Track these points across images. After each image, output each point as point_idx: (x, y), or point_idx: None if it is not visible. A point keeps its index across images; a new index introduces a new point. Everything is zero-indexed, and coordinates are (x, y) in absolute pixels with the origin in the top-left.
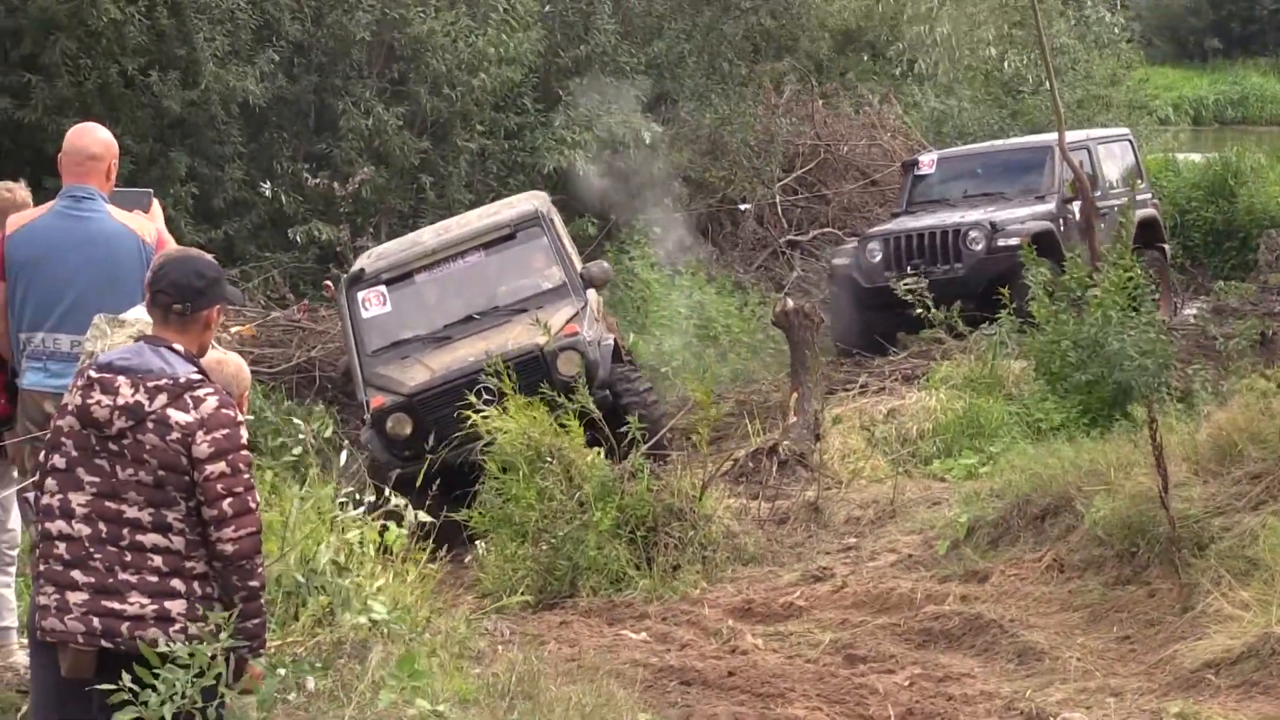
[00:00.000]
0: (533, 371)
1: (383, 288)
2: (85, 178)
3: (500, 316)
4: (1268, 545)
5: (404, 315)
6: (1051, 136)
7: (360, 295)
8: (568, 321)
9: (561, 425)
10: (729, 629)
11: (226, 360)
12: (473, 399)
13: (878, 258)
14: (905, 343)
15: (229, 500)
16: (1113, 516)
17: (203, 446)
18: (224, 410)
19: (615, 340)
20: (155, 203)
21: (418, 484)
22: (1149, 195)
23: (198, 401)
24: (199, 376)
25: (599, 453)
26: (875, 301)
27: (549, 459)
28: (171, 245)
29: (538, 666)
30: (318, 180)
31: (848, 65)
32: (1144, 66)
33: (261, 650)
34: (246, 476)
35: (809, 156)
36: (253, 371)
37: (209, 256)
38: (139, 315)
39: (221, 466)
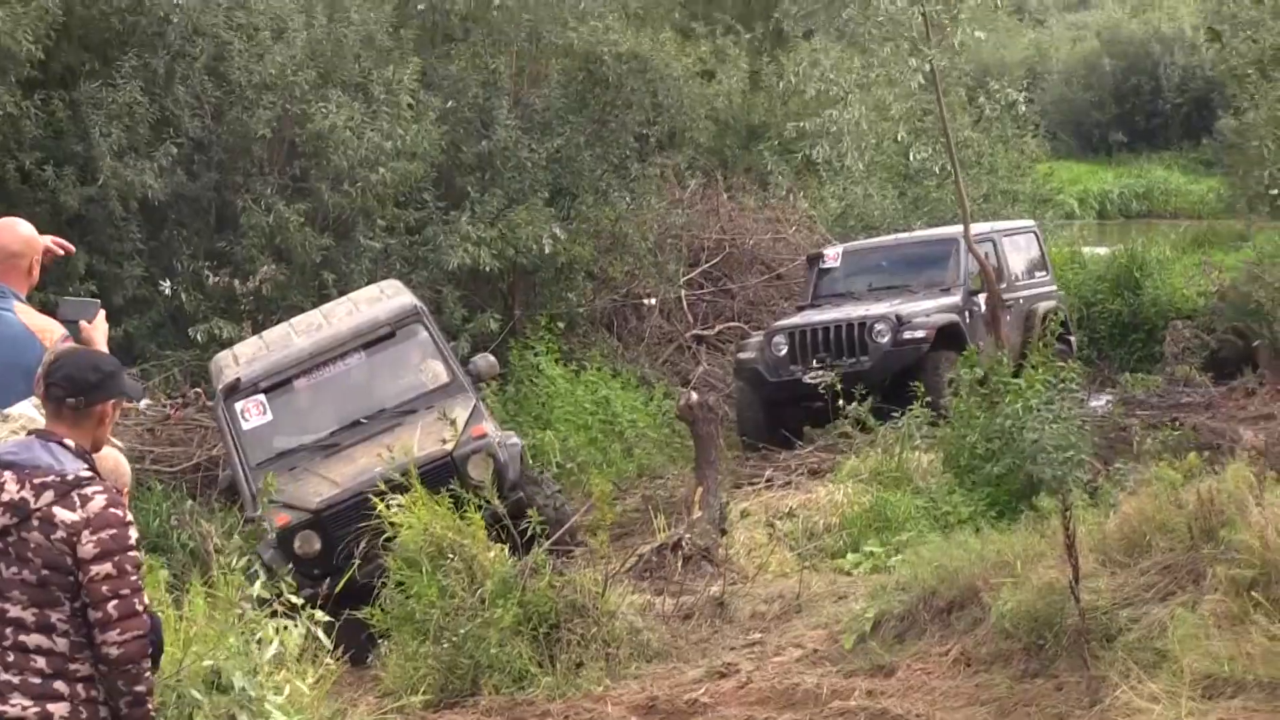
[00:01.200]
0: (443, 478)
1: (261, 396)
2: (4, 276)
3: (389, 419)
4: (1176, 637)
5: (286, 424)
6: (956, 229)
7: (238, 406)
8: (469, 422)
9: (464, 518)
10: None
11: (105, 455)
12: (383, 510)
13: (783, 351)
14: (812, 436)
15: (115, 603)
16: (1020, 609)
17: (88, 547)
18: (112, 509)
19: (520, 443)
20: (101, 314)
21: (328, 603)
22: (1054, 287)
23: (85, 500)
24: (89, 474)
25: (502, 549)
26: (781, 395)
27: (450, 555)
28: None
29: None
30: (218, 278)
31: (753, 160)
32: (1048, 160)
33: None
34: (134, 578)
35: (714, 250)
36: (153, 471)
37: (105, 352)
38: (24, 410)
39: (108, 568)
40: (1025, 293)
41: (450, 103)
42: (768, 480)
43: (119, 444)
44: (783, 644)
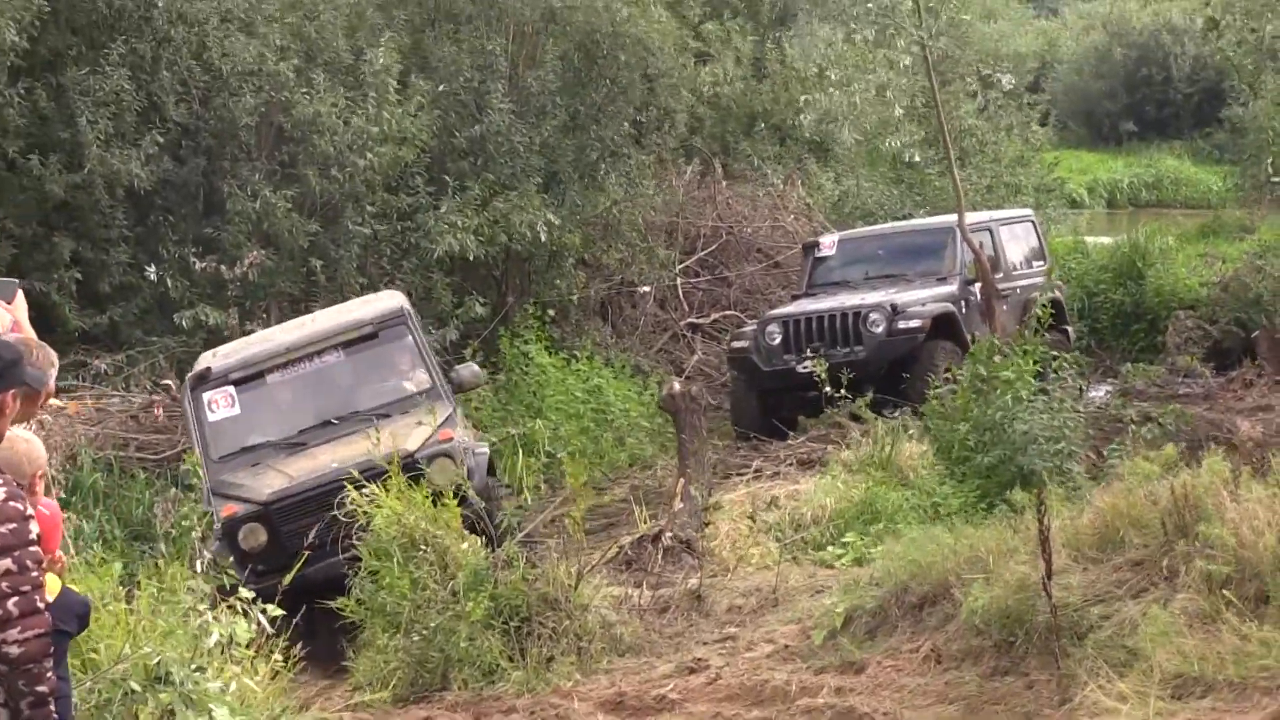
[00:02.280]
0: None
1: (231, 388)
2: None
3: (361, 422)
4: (1147, 635)
5: (254, 419)
6: (952, 218)
7: (206, 396)
8: (440, 426)
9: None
10: None
11: (16, 437)
12: (357, 498)
13: (777, 340)
14: (805, 426)
15: (14, 600)
16: (991, 605)
17: None
18: (12, 503)
19: (488, 452)
20: (20, 295)
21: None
22: (1052, 277)
23: None
24: None
25: (476, 541)
26: (775, 384)
27: (424, 546)
28: (29, 336)
29: None
30: (205, 264)
31: (752, 148)
32: (1055, 149)
33: None
34: (35, 575)
35: (710, 238)
36: (137, 459)
37: (10, 339)
38: None
39: (7, 563)
40: (1023, 282)
41: (442, 86)
42: (756, 471)
43: (27, 434)
44: (755, 639)
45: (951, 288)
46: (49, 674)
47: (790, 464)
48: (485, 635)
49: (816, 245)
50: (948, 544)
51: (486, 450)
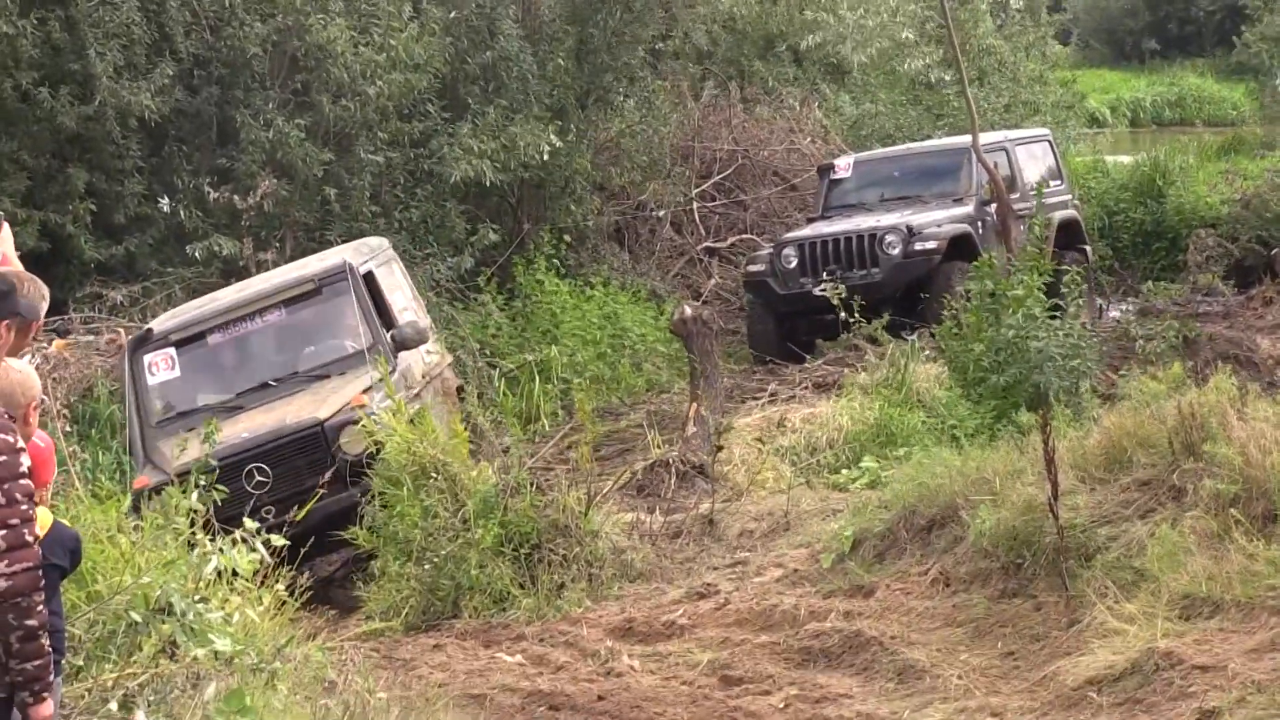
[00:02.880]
0: (312, 449)
1: (171, 350)
2: None
3: (298, 384)
4: (1154, 555)
5: (195, 381)
6: (968, 138)
7: (146, 359)
8: (363, 391)
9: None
10: (607, 650)
11: (9, 367)
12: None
13: (793, 264)
14: (823, 349)
15: (2, 533)
16: (999, 528)
17: None
18: (2, 435)
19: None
20: (6, 227)
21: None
22: (1069, 196)
23: None
24: None
25: (486, 466)
26: (791, 308)
27: (434, 474)
28: (18, 269)
29: (368, 699)
30: (219, 194)
31: (768, 70)
32: (1075, 68)
33: (46, 693)
34: (24, 507)
35: (727, 162)
36: None
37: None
38: None
39: None
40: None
41: (454, 12)
42: (771, 395)
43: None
44: (765, 563)
45: (968, 208)
46: (39, 608)
47: (806, 388)
48: (496, 563)
49: (831, 168)
50: (955, 466)
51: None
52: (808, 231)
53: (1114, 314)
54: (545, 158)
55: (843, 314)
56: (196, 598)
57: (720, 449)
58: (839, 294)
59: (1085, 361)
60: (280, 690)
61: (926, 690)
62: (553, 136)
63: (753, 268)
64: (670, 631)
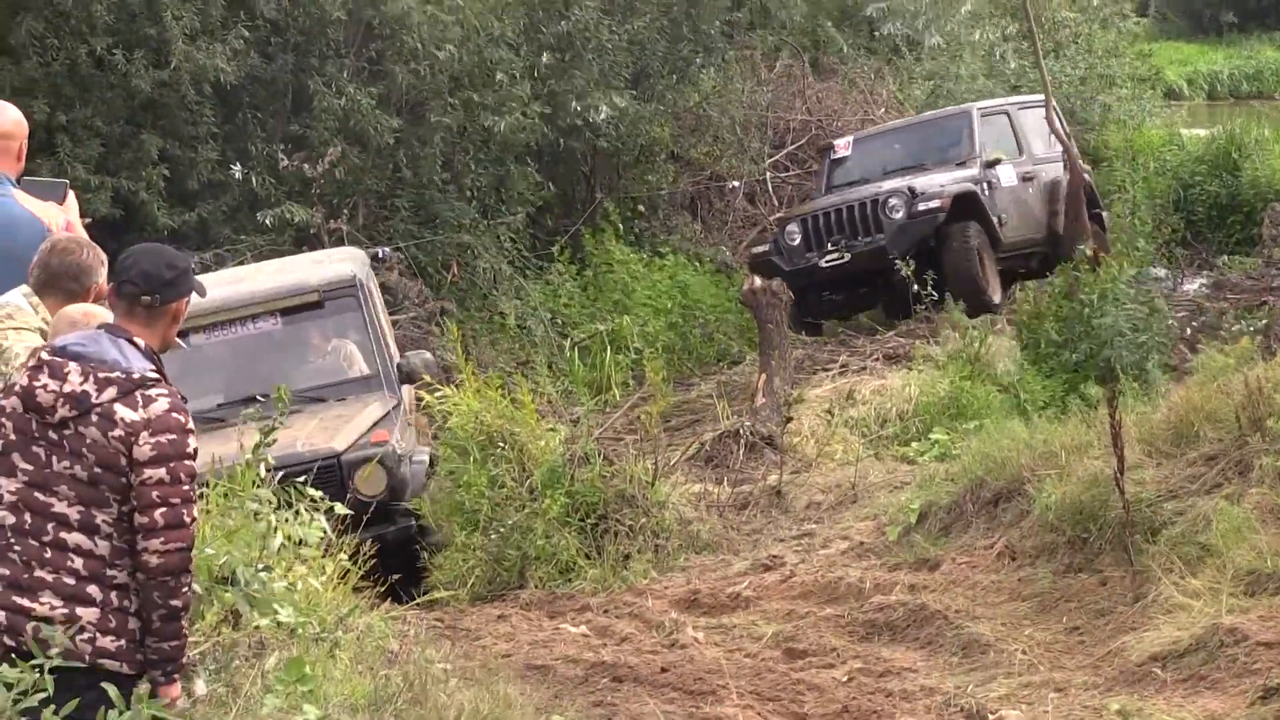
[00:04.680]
0: (322, 483)
1: None
2: None
3: (291, 405)
4: (1220, 531)
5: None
6: (967, 106)
7: None
8: (376, 424)
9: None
10: (671, 622)
11: (93, 313)
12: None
13: (797, 239)
14: (834, 330)
15: (162, 510)
16: (1065, 501)
17: (145, 448)
18: (174, 414)
19: (430, 455)
20: (70, 195)
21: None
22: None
23: (148, 400)
24: (155, 375)
25: (556, 435)
26: (798, 284)
27: (501, 444)
28: (81, 235)
29: (428, 669)
30: (290, 162)
31: (843, 40)
32: (1146, 41)
33: (178, 675)
34: (186, 488)
35: (800, 132)
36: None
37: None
38: (10, 300)
39: (161, 473)
40: (1046, 166)
41: None
42: (842, 366)
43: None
44: (831, 535)
45: (972, 170)
46: (185, 589)
47: (877, 359)
48: (562, 533)
49: (831, 148)
50: (1023, 439)
51: (427, 458)
52: (809, 206)
53: (1187, 287)
54: (602, 117)
55: (914, 288)
56: (260, 567)
57: (789, 420)
58: (839, 258)
59: (1155, 337)
60: (341, 660)
61: (990, 665)
62: (616, 98)
63: (757, 249)
64: (735, 604)
